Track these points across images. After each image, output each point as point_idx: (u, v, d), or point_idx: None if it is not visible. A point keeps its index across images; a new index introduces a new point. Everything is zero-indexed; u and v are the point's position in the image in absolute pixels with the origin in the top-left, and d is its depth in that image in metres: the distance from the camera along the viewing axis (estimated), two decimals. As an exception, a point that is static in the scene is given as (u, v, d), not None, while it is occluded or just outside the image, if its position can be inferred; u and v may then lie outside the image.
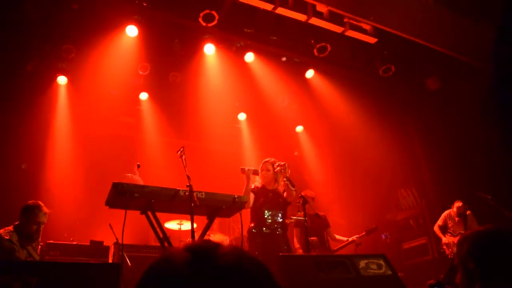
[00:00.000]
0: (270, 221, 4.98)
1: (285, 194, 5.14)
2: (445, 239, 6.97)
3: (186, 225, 6.55)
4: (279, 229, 5.02)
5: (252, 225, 5.01)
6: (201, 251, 0.83)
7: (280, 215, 5.07)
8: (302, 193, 4.97)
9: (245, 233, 5.15)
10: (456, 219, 7.01)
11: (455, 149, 7.72)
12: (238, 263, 0.81)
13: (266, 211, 4.99)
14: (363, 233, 6.46)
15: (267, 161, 5.20)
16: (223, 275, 0.79)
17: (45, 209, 4.03)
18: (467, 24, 6.65)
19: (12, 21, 5.92)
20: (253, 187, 5.10)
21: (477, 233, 1.73)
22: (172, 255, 0.83)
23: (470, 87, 7.57)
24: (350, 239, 6.42)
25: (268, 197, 5.07)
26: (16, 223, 4.01)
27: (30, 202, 4.08)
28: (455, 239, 6.87)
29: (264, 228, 4.94)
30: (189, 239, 6.06)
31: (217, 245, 0.85)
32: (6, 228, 3.93)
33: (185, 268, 0.79)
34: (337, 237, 6.54)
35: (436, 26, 6.60)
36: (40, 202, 4.07)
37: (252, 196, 5.01)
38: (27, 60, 6.67)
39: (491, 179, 6.93)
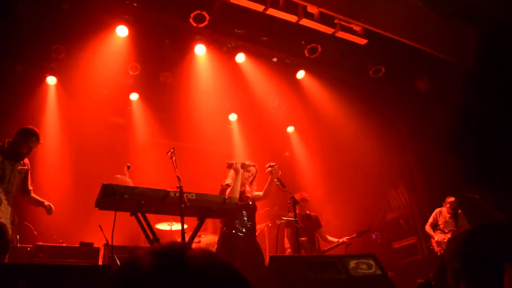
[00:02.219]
0: (247, 222, 4.87)
1: (252, 194, 5.04)
2: (436, 237, 7.02)
3: (177, 226, 6.52)
4: (254, 230, 4.96)
5: (232, 227, 4.84)
6: (167, 256, 0.81)
7: (252, 216, 4.99)
8: (297, 195, 4.94)
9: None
10: (448, 216, 7.08)
11: (444, 149, 7.78)
12: (206, 269, 0.80)
13: (244, 213, 4.87)
14: (354, 235, 6.46)
15: (254, 165, 5.08)
16: (190, 282, 0.78)
17: (41, 140, 4.36)
18: (457, 26, 6.71)
19: (1, 21, 5.86)
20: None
21: (462, 233, 1.73)
22: (138, 261, 0.81)
23: (458, 88, 7.66)
24: (340, 240, 6.44)
25: (242, 199, 4.92)
26: (7, 140, 4.25)
27: (31, 127, 4.35)
28: (446, 236, 6.94)
29: (244, 230, 4.82)
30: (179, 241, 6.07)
31: (184, 249, 0.83)
32: None
33: (153, 275, 0.78)
34: (329, 238, 6.56)
35: (426, 28, 6.66)
36: (38, 131, 4.34)
37: None
38: (16, 60, 6.60)
39: (481, 179, 7.01)
